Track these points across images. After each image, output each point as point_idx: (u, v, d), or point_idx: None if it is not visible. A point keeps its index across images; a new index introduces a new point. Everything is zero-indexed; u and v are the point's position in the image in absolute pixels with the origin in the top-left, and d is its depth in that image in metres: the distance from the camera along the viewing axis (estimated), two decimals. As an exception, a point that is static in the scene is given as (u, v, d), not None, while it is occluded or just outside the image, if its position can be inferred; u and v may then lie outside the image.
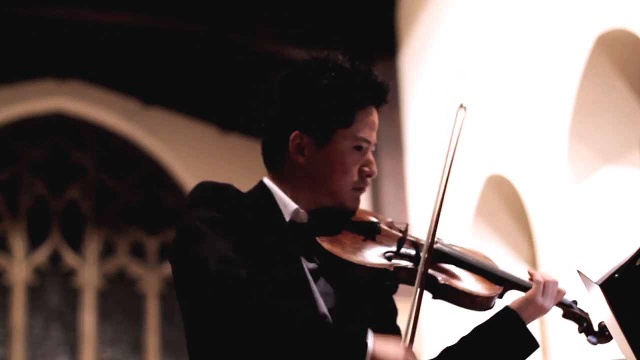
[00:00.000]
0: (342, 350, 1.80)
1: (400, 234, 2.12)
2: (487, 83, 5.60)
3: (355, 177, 2.07)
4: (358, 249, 2.03)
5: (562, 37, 4.76)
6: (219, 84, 8.14)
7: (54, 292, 9.20)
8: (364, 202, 7.43)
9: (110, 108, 9.22)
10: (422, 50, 6.61)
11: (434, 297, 2.11)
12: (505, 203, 5.68)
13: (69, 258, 9.26)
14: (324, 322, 1.89)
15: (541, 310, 2.22)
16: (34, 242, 9.25)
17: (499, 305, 2.21)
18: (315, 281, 2.00)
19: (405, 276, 2.05)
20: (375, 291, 2.09)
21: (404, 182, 6.81)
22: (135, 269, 9.31)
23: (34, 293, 9.12)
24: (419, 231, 2.17)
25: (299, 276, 1.98)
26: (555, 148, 4.81)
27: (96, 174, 9.45)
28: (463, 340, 2.15)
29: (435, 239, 2.09)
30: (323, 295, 1.99)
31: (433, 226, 1.99)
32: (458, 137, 2.08)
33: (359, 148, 2.06)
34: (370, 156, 2.09)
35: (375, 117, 2.10)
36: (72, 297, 9.19)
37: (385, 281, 2.07)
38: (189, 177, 8.92)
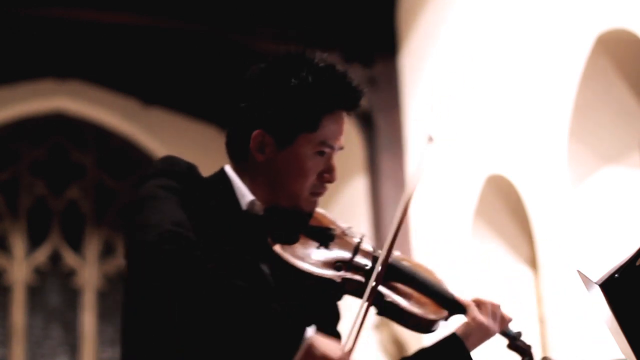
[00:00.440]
0: (281, 330, 1.75)
1: (354, 244, 2.07)
2: (487, 83, 5.60)
3: (314, 182, 2.02)
4: (308, 255, 1.98)
5: (562, 37, 4.76)
6: (219, 84, 8.14)
7: (54, 292, 9.20)
8: (365, 201, 7.39)
9: (110, 108, 9.22)
10: (422, 50, 6.61)
11: (379, 313, 2.07)
12: (505, 203, 5.68)
13: (69, 258, 9.26)
14: (271, 306, 1.82)
15: (487, 334, 2.18)
16: (34, 242, 9.25)
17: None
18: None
19: (353, 288, 2.00)
20: (320, 297, 2.04)
21: (404, 182, 6.81)
22: (135, 269, 9.31)
23: (34, 293, 9.12)
24: (374, 243, 2.13)
25: (252, 269, 1.94)
26: (555, 148, 4.81)
27: (96, 174, 9.45)
28: None
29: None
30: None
31: (390, 240, 1.91)
32: (424, 167, 2.02)
33: (321, 153, 2.00)
34: (332, 162, 2.03)
35: (343, 123, 2.03)
36: (72, 297, 9.19)
37: (331, 291, 2.02)
38: (188, 177, 8.90)
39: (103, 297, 9.18)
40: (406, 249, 6.65)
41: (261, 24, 7.03)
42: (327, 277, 1.99)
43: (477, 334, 2.17)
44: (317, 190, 2.03)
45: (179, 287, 1.75)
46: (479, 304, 2.19)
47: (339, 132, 2.03)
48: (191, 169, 1.99)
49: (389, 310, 2.06)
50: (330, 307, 2.10)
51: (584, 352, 4.42)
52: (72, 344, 9.07)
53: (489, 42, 5.58)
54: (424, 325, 2.10)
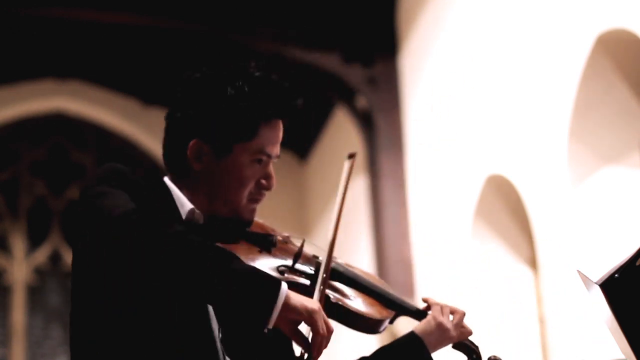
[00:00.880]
0: (258, 285, 1.74)
1: (296, 249, 2.08)
2: (487, 83, 5.60)
3: (252, 190, 2.01)
4: (251, 260, 1.97)
5: (562, 37, 4.76)
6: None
7: (54, 292, 9.20)
8: (365, 201, 7.39)
9: (110, 108, 9.22)
10: (422, 50, 6.61)
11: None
12: (505, 203, 5.68)
13: (69, 258, 9.24)
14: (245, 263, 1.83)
15: (446, 335, 2.17)
16: (34, 242, 9.25)
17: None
18: None
19: (298, 292, 1.96)
20: None
21: (404, 182, 6.81)
22: (135, 269, 9.31)
23: (34, 293, 9.13)
24: (313, 248, 2.13)
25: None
26: (555, 148, 4.81)
27: (96, 174, 9.44)
28: None
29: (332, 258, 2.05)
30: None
31: (330, 243, 1.94)
32: (348, 180, 2.03)
33: (259, 161, 2.00)
34: (270, 169, 2.03)
35: (280, 130, 2.02)
36: (72, 297, 9.19)
37: None
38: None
39: (103, 297, 9.18)
40: (406, 249, 6.65)
41: (261, 24, 7.04)
42: None
43: (437, 333, 2.16)
44: (255, 197, 2.03)
45: (161, 245, 1.73)
46: (441, 306, 2.19)
47: (276, 140, 2.02)
48: (132, 174, 1.98)
49: (335, 312, 2.06)
50: None
51: (584, 352, 4.42)
52: (72, 344, 9.06)
53: (489, 42, 5.58)
54: (371, 325, 2.10)
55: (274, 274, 2.00)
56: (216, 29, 7.11)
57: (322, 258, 2.00)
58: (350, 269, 2.18)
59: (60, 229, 9.32)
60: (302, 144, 8.85)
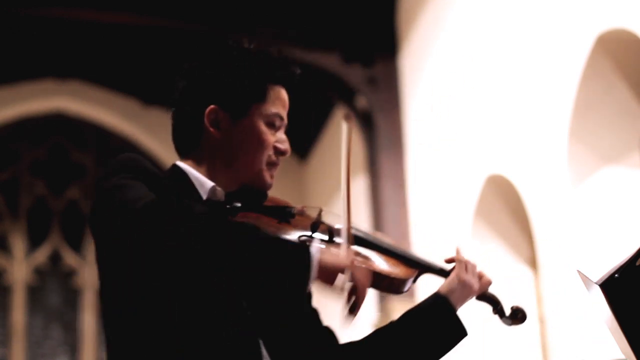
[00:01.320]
0: (289, 259, 1.78)
1: (314, 218, 2.10)
2: (487, 83, 5.60)
3: (271, 152, 2.05)
4: (273, 232, 1.99)
5: (562, 37, 4.76)
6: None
7: (54, 292, 9.21)
8: (365, 201, 7.38)
9: (110, 108, 9.22)
10: (422, 50, 6.61)
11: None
12: (505, 203, 5.68)
13: (69, 258, 9.26)
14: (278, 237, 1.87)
15: (470, 290, 2.21)
16: (34, 242, 9.26)
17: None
18: None
19: None
20: None
21: (404, 182, 6.81)
22: (135, 269, 9.32)
23: (34, 293, 9.13)
24: (331, 217, 2.15)
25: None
26: (555, 148, 4.81)
27: (96, 174, 9.45)
28: (392, 324, 2.15)
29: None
30: None
31: (346, 210, 1.97)
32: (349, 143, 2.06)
33: (272, 125, 2.05)
34: (283, 134, 2.07)
35: (287, 99, 2.09)
36: (72, 297, 9.20)
37: None
38: (188, 177, 8.91)
39: (103, 297, 9.19)
40: (406, 249, 6.65)
41: (261, 24, 7.04)
42: None
43: (460, 289, 2.19)
44: (273, 161, 2.06)
45: (189, 229, 1.75)
46: (464, 262, 2.23)
47: (285, 104, 2.08)
48: (149, 163, 1.99)
49: None
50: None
51: (584, 352, 4.42)
52: (72, 344, 9.07)
53: (489, 42, 5.59)
54: (396, 285, 2.12)
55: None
56: (216, 29, 7.11)
57: (341, 225, 2.02)
58: (367, 233, 2.20)
59: (61, 229, 9.33)
60: (302, 144, 8.86)
